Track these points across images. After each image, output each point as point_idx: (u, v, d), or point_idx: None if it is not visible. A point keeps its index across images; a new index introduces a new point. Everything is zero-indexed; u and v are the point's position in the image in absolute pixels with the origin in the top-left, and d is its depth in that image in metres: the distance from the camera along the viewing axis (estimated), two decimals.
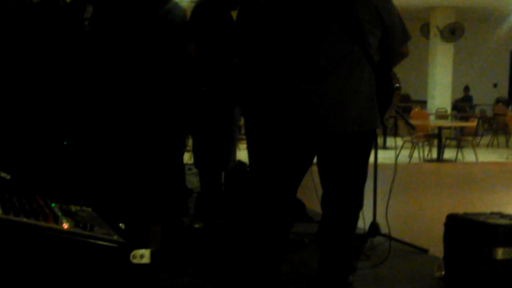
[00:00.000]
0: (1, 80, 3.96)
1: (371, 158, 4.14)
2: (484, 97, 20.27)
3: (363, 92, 3.67)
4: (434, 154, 13.23)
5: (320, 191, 3.85)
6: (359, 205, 3.95)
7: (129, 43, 4.05)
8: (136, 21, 4.04)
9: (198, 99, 5.17)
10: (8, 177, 2.79)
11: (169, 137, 4.36)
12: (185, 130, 5.15)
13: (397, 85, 3.89)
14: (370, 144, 3.86)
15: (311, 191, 4.44)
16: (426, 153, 13.33)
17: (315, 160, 3.85)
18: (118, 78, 4.07)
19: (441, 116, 16.30)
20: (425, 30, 17.87)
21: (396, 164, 4.84)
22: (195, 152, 5.70)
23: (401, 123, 12.28)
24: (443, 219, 4.27)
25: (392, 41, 3.80)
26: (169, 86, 4.21)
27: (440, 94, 17.31)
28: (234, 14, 5.31)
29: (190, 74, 4.45)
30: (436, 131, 13.21)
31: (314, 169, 3.91)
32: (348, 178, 3.78)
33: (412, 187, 9.27)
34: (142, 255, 2.15)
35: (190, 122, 5.13)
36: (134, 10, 4.05)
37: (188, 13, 5.46)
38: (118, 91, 4.09)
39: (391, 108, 3.87)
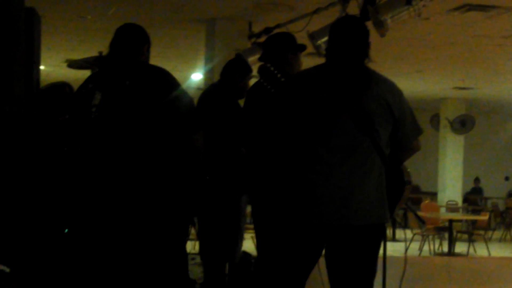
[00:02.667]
0: (5, 167, 3.97)
1: (380, 251, 4.08)
2: (496, 190, 20.19)
3: (372, 185, 3.65)
4: (445, 248, 13.09)
5: (327, 286, 3.78)
6: None
7: (136, 130, 4.06)
8: (143, 109, 4.06)
9: (203, 188, 5.16)
10: (8, 270, 2.76)
11: (172, 226, 4.33)
12: (188, 219, 5.12)
13: (408, 179, 3.88)
14: (379, 238, 3.81)
15: (318, 286, 4.36)
16: (436, 246, 13.20)
17: (323, 252, 3.80)
18: (124, 165, 4.07)
19: (451, 208, 16.21)
20: (435, 121, 17.97)
21: (406, 259, 4.76)
22: (201, 242, 5.65)
23: (411, 215, 12.22)
24: None
25: (403, 135, 3.80)
26: (174, 174, 4.20)
27: (450, 186, 17.25)
28: (241, 102, 5.36)
29: (196, 163, 4.45)
30: (446, 224, 13.12)
31: (322, 262, 3.86)
32: (356, 273, 3.72)
33: (422, 282, 9.12)
34: None
35: (195, 210, 5.10)
36: (141, 97, 4.07)
37: (195, 101, 5.52)
38: (123, 177, 4.08)
39: (401, 202, 3.85)
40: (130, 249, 4.11)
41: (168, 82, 4.17)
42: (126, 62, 4.17)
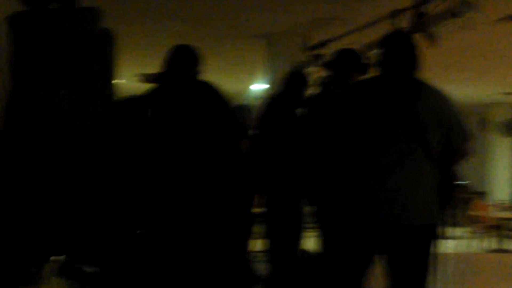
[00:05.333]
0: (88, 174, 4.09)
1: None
2: None
3: (425, 188, 3.66)
4: (494, 245, 12.89)
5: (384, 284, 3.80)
6: None
7: (189, 138, 4.18)
8: (193, 118, 4.20)
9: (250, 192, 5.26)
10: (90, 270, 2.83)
11: (232, 225, 4.40)
12: (247, 219, 5.21)
13: (457, 182, 3.87)
14: (432, 237, 3.80)
15: (375, 283, 4.35)
16: (486, 243, 13.00)
17: None
18: (179, 169, 4.18)
19: (501, 207, 15.94)
20: (483, 125, 17.74)
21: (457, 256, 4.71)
22: (267, 240, 5.72)
23: (460, 214, 12.08)
24: None
25: (452, 141, 3.79)
26: (227, 177, 4.29)
27: (499, 186, 17.01)
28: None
29: (241, 167, 4.53)
30: (496, 222, 12.91)
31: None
32: (411, 271, 3.74)
33: (475, 278, 8.99)
34: None
35: (250, 212, 5.23)
36: (191, 108, 4.21)
37: (256, 110, 5.59)
38: (181, 181, 4.18)
39: (452, 204, 3.85)
40: (197, 248, 4.19)
41: (214, 96, 4.29)
42: (179, 79, 4.31)
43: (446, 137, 3.74)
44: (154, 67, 8.40)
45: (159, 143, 4.22)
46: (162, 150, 4.21)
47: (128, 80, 13.38)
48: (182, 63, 4.37)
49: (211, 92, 4.31)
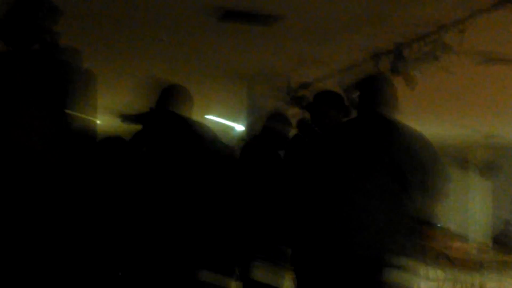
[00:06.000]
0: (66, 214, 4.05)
1: None
2: None
3: (404, 228, 3.67)
4: (476, 287, 12.86)
5: None
6: None
7: (177, 180, 4.16)
8: (183, 160, 4.18)
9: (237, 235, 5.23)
10: None
11: (216, 264, 4.37)
12: (232, 259, 5.16)
13: (438, 224, 3.88)
14: (415, 277, 3.79)
15: None
16: (468, 285, 12.97)
17: None
18: (166, 208, 4.16)
19: (482, 250, 15.95)
20: (463, 167, 17.85)
21: None
22: (244, 283, 5.66)
23: (441, 256, 12.06)
24: None
25: (431, 183, 3.79)
26: (212, 218, 4.27)
27: (480, 229, 17.05)
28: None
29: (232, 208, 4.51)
30: (477, 264, 12.90)
31: None
32: None
33: None
34: None
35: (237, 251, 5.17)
36: (181, 150, 4.20)
37: (238, 151, 5.58)
38: (164, 223, 4.15)
39: (431, 244, 3.85)
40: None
41: (205, 136, 4.29)
42: (169, 119, 4.31)
43: (426, 178, 3.75)
44: (135, 107, 8.40)
45: (153, 182, 4.19)
46: (156, 188, 4.19)
47: (109, 120, 13.36)
48: (173, 101, 4.39)
49: (205, 133, 4.31)
